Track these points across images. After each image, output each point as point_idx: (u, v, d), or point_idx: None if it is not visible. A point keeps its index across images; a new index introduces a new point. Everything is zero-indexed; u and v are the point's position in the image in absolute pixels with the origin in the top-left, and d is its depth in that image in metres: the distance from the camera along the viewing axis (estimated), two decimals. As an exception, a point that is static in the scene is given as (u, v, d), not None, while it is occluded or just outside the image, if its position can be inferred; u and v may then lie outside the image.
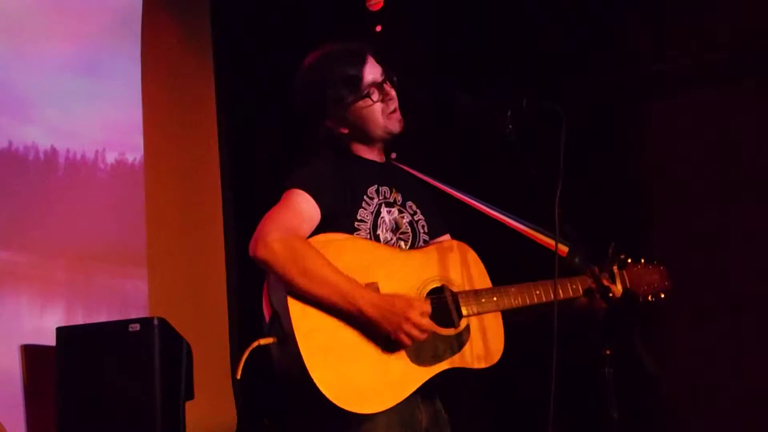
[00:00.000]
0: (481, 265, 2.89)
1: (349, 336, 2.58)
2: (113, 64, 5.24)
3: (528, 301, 2.83)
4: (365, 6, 5.38)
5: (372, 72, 2.89)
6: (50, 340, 4.11)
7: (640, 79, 4.93)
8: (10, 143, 4.66)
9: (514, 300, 2.81)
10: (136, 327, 3.97)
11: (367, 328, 2.59)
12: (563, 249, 2.88)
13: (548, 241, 2.93)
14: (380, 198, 2.85)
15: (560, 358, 2.64)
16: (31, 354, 4.35)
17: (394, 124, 2.89)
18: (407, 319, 2.57)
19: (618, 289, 2.95)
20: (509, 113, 2.79)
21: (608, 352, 3.01)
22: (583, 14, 4.94)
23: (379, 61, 2.93)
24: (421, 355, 2.64)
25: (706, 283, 4.65)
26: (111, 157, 5.15)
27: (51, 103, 4.87)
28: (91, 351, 4.03)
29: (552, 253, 2.82)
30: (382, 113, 2.87)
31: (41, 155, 4.80)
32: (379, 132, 2.88)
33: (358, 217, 2.78)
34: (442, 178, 3.09)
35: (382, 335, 2.59)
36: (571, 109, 2.71)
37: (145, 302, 5.03)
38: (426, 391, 2.71)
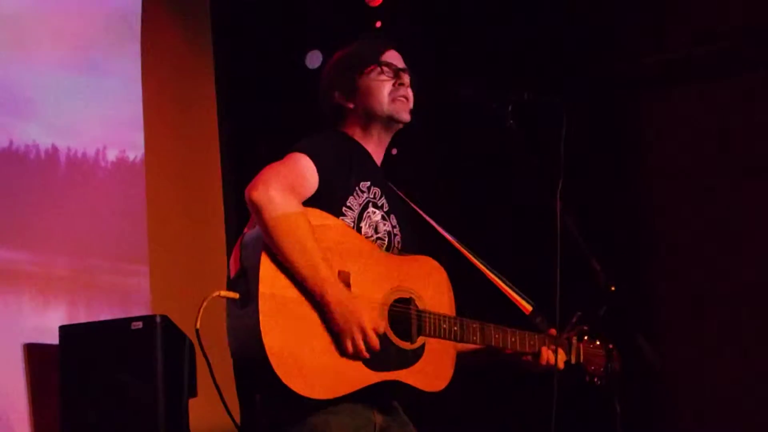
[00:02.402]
0: (450, 290, 2.86)
1: (311, 315, 2.54)
2: (113, 61, 5.24)
3: (485, 342, 2.83)
4: (365, 2, 5.38)
5: (391, 57, 2.89)
6: (53, 339, 4.11)
7: (639, 71, 4.93)
8: (11, 142, 4.66)
9: (473, 337, 2.80)
10: (139, 325, 3.98)
11: (325, 316, 2.55)
12: (527, 307, 2.93)
13: (521, 302, 2.96)
14: (370, 196, 2.82)
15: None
16: (34, 352, 4.35)
17: (399, 110, 2.85)
18: (359, 325, 2.53)
19: (565, 359, 2.96)
20: (510, 107, 2.79)
21: (611, 346, 3.02)
22: (583, 7, 4.95)
23: (404, 59, 2.92)
24: (373, 357, 2.59)
25: (707, 274, 4.66)
26: (112, 155, 5.15)
27: (51, 102, 4.86)
28: (94, 349, 4.04)
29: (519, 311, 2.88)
30: (389, 93, 2.84)
31: (42, 154, 4.80)
32: (381, 111, 2.84)
33: (347, 204, 2.74)
34: (437, 189, 3.09)
35: (334, 329, 2.56)
36: (570, 103, 2.71)
37: (147, 300, 5.03)
38: (384, 394, 2.68)
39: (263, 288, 2.50)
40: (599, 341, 3.05)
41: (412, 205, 3.02)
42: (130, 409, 3.88)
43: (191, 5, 5.81)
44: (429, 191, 3.13)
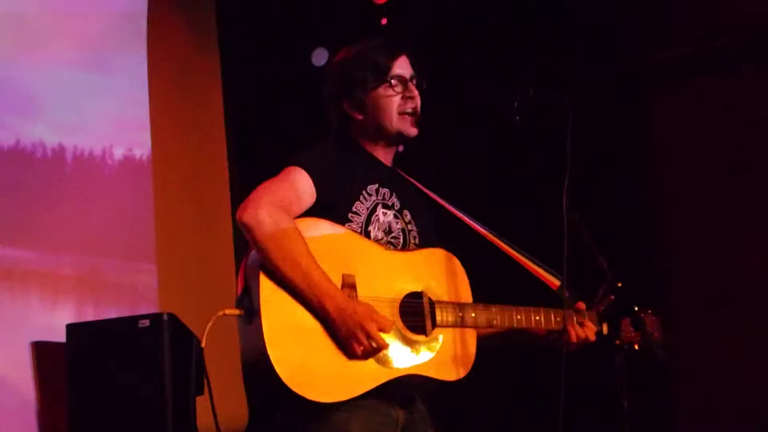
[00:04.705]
0: (466, 279, 2.85)
1: (315, 325, 2.56)
2: (119, 60, 5.25)
3: (507, 323, 2.81)
4: (370, 0, 5.39)
5: (401, 67, 2.88)
6: (60, 337, 4.12)
7: (642, 68, 4.93)
8: (18, 141, 4.67)
9: (492, 320, 2.78)
10: (146, 323, 3.97)
11: (328, 325, 2.57)
12: (554, 282, 2.90)
13: (547, 277, 2.93)
14: (378, 198, 2.83)
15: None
16: (42, 351, 4.36)
17: (407, 126, 2.86)
18: (363, 329, 2.53)
19: (595, 330, 2.92)
20: (516, 104, 2.79)
21: (618, 342, 3.02)
22: (586, 5, 4.94)
23: (413, 64, 2.92)
24: (386, 355, 2.61)
25: (712, 272, 4.65)
26: (119, 153, 5.16)
27: (58, 100, 4.88)
28: (101, 347, 4.03)
29: (545, 286, 2.85)
30: (397, 108, 2.84)
31: (49, 152, 4.81)
32: (389, 127, 2.84)
33: (353, 209, 2.76)
34: (447, 187, 3.07)
35: (339, 336, 2.57)
36: (575, 99, 2.72)
37: (155, 298, 5.04)
38: (403, 390, 2.69)
39: (264, 303, 2.53)
40: (636, 307, 3.00)
41: (429, 193, 3.02)
42: (138, 407, 3.88)
43: (197, 3, 5.81)
44: (432, 190, 3.12)
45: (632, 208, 4.81)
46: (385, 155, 2.93)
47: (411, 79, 2.88)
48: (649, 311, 3.01)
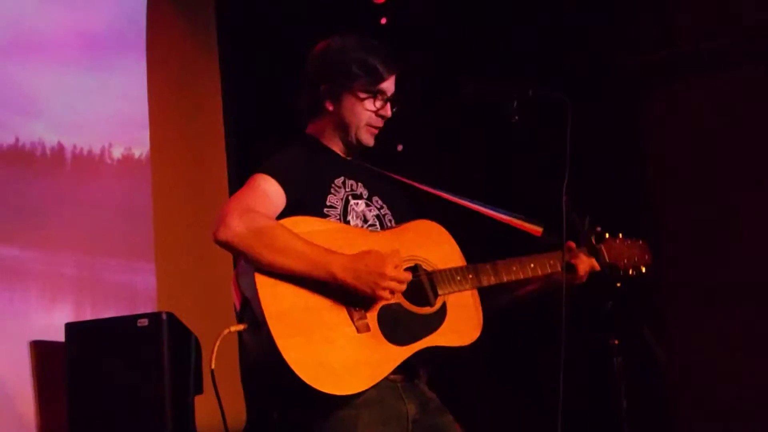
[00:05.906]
0: (454, 242, 2.86)
1: (322, 317, 2.54)
2: (118, 59, 5.25)
3: (505, 278, 2.83)
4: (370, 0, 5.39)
5: (390, 85, 2.87)
6: (59, 336, 4.12)
7: (642, 66, 4.92)
8: (17, 139, 4.67)
9: (492, 277, 2.80)
10: (145, 322, 3.98)
11: (342, 296, 2.55)
12: (537, 230, 2.92)
13: (529, 227, 2.95)
14: (347, 189, 2.82)
15: (568, 348, 2.65)
16: (41, 350, 4.37)
17: (368, 137, 2.86)
18: (382, 275, 2.53)
19: (595, 264, 2.96)
20: (515, 103, 2.79)
21: (616, 341, 3.01)
22: (585, 3, 4.94)
23: (397, 85, 2.91)
24: (397, 334, 2.60)
25: (713, 271, 4.65)
26: (117, 152, 5.16)
27: (57, 99, 4.87)
28: (100, 346, 4.05)
29: (527, 234, 2.86)
30: (366, 120, 2.84)
31: (48, 151, 4.81)
32: (351, 130, 2.84)
33: (327, 203, 2.75)
34: (447, 186, 3.07)
35: (360, 298, 2.55)
36: (575, 99, 2.72)
37: (154, 297, 5.04)
38: (408, 379, 2.69)
39: (268, 309, 2.50)
40: (620, 235, 3.04)
41: (393, 176, 3.01)
42: (137, 406, 3.89)
43: (197, 3, 5.81)
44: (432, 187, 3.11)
45: (632, 207, 4.80)
46: (344, 150, 2.92)
47: (390, 99, 2.87)
48: (620, 234, 3.04)
